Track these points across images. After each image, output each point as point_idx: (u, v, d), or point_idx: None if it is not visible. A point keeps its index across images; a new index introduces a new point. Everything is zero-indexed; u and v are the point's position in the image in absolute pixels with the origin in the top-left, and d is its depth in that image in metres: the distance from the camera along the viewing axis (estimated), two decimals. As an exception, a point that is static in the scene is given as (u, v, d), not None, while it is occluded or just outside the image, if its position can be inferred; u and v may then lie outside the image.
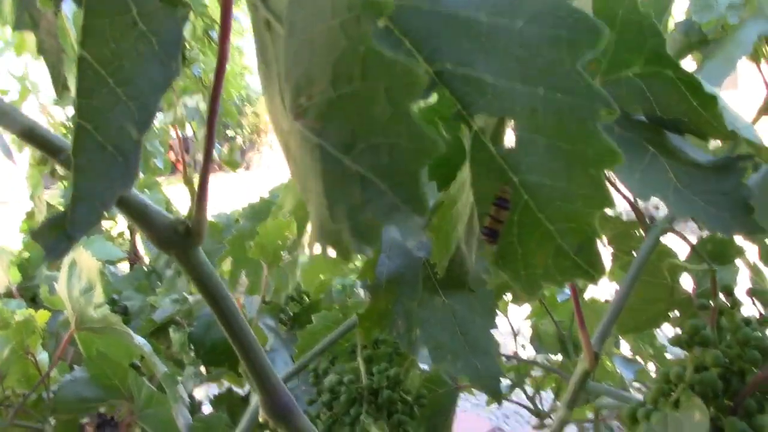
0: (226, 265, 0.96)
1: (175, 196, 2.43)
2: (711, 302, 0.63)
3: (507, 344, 1.37)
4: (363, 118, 0.25)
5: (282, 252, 0.78)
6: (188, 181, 1.48)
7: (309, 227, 0.26)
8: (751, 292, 0.63)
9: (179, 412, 1.00)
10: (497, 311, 1.35)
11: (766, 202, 0.49)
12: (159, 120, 2.01)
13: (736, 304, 0.64)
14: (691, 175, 0.47)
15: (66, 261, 1.00)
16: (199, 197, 0.40)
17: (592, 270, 0.34)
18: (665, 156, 0.47)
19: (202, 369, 1.40)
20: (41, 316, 1.15)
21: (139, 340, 0.92)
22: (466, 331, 0.72)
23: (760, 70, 0.63)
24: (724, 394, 0.61)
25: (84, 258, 0.99)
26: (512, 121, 0.31)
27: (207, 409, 1.46)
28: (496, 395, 0.70)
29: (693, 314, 0.69)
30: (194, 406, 1.35)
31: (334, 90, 0.25)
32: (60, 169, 1.93)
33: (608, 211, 0.96)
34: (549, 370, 1.29)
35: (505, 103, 0.30)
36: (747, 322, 0.63)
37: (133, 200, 0.40)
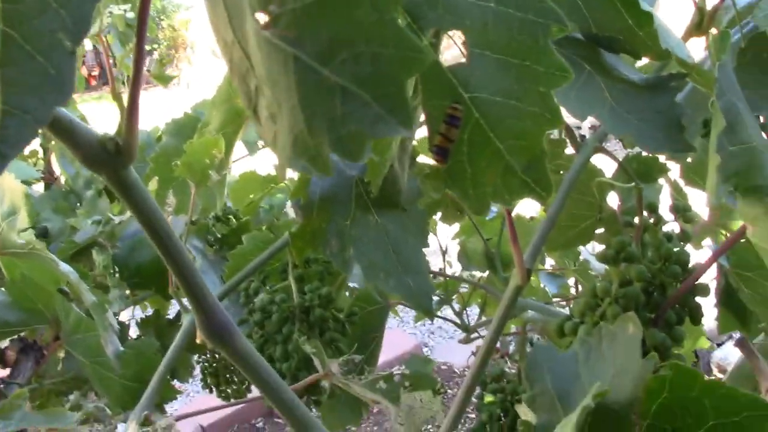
0: (153, 184, 0.93)
1: (91, 114, 2.34)
2: (636, 219, 0.65)
3: (435, 262, 1.39)
4: (344, 25, 0.23)
5: (210, 171, 0.76)
6: (116, 96, 1.42)
7: (279, 142, 0.25)
8: (674, 209, 0.65)
9: (108, 339, 0.99)
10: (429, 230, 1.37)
11: (691, 122, 0.50)
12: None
13: (659, 221, 0.66)
14: (626, 94, 0.47)
15: (-16, 184, 0.95)
16: (130, 113, 0.39)
17: (541, 188, 0.34)
18: (601, 74, 0.48)
19: (128, 292, 1.38)
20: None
21: (64, 267, 0.89)
22: (398, 250, 0.72)
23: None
24: (646, 306, 0.64)
25: (7, 181, 0.95)
26: (463, 36, 0.30)
27: (134, 332, 1.45)
28: (428, 312, 0.71)
29: (618, 231, 0.72)
30: (123, 330, 1.33)
31: None
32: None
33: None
34: (476, 285, 1.32)
35: (457, 17, 0.29)
36: (669, 238, 0.66)
37: (59, 117, 0.38)
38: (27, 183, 1.53)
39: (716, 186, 0.41)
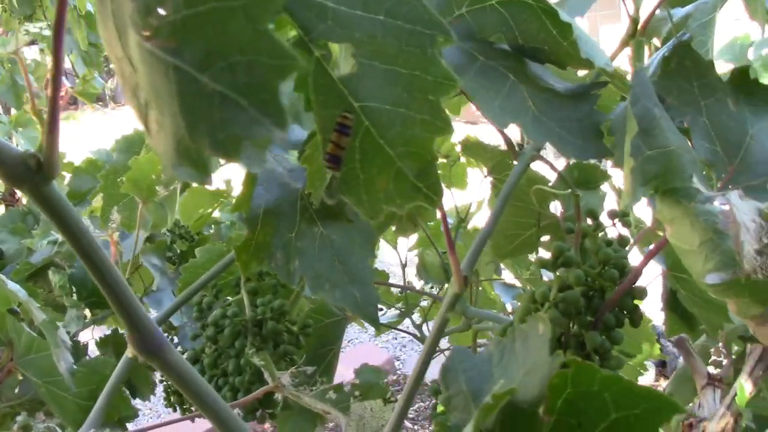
0: (97, 201, 0.93)
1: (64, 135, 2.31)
2: (576, 225, 0.66)
3: (396, 275, 1.40)
4: (220, 35, 0.24)
5: (157, 187, 0.76)
6: (37, 114, 1.41)
7: (163, 150, 0.26)
8: (611, 215, 0.66)
9: (61, 356, 0.98)
10: (389, 243, 1.38)
11: (621, 136, 0.51)
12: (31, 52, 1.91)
13: (599, 226, 0.67)
14: (549, 102, 0.48)
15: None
16: (50, 128, 0.39)
17: (432, 193, 0.35)
18: (525, 84, 0.49)
19: (87, 312, 1.37)
20: None
21: (12, 286, 0.89)
22: (344, 261, 0.72)
23: (624, 2, 0.65)
24: (587, 311, 0.65)
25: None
26: (353, 48, 0.31)
27: (94, 351, 1.43)
28: (374, 322, 0.71)
29: (562, 238, 0.73)
30: (79, 350, 1.32)
31: (189, 7, 0.24)
32: None
33: (486, 141, 0.98)
34: (434, 298, 1.33)
35: (346, 29, 0.30)
36: (608, 243, 0.67)
37: (-23, 132, 0.38)
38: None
39: (632, 189, 0.42)
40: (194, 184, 1.10)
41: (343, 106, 0.33)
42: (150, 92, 0.27)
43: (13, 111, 2.06)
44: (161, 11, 0.25)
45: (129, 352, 0.46)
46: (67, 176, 1.42)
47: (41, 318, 0.87)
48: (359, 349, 3.32)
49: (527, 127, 0.46)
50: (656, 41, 0.80)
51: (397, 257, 1.39)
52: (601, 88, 0.52)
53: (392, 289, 1.44)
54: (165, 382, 1.38)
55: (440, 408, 0.86)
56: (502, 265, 1.19)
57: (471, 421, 0.29)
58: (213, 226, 1.66)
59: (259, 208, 0.72)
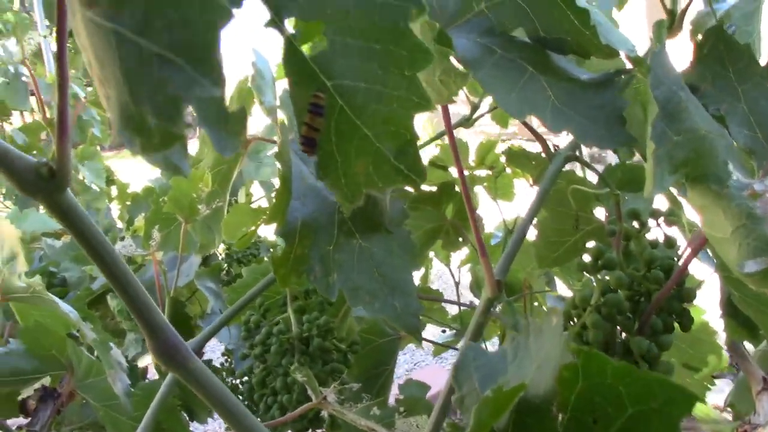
0: (140, 221, 0.94)
1: (124, 168, 2.39)
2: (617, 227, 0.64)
3: (450, 293, 1.38)
4: None
5: (198, 205, 0.76)
6: (49, 123, 1.46)
7: (112, 119, 0.26)
8: (654, 214, 0.63)
9: (116, 377, 0.99)
10: (441, 261, 1.36)
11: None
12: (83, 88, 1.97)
13: (644, 228, 0.65)
14: (570, 92, 0.47)
15: (-13, 232, 0.97)
16: (59, 136, 0.39)
17: (413, 174, 0.34)
18: (545, 75, 0.47)
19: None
20: (-28, 288, 1.12)
21: (65, 307, 0.91)
22: (384, 272, 0.71)
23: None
24: (634, 315, 0.62)
25: (4, 228, 0.96)
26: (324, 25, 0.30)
27: (154, 376, 1.45)
28: (416, 333, 0.70)
29: (607, 242, 0.70)
30: (138, 374, 1.34)
31: None
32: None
33: (530, 149, 0.96)
34: (494, 316, 1.30)
35: (317, 6, 0.29)
36: (653, 245, 0.64)
37: (-7, 144, 0.39)
38: (49, 235, 1.56)
39: (656, 176, 0.40)
40: (236, 202, 1.11)
41: (315, 85, 0.32)
42: (96, 63, 0.26)
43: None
44: None
45: (153, 362, 0.45)
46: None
47: (91, 337, 0.88)
48: (425, 371, 3.29)
49: (546, 116, 0.44)
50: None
51: (449, 274, 1.37)
52: (626, 75, 0.49)
53: (447, 308, 1.42)
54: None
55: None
56: (556, 278, 1.15)
57: (471, 416, 0.27)
58: (271, 249, 1.68)
59: (296, 222, 0.72)
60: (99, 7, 0.24)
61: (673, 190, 0.78)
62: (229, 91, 0.83)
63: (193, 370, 0.45)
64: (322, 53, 0.32)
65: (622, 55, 0.49)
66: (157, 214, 0.86)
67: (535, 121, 0.80)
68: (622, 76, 0.49)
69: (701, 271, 0.78)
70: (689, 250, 0.58)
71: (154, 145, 0.25)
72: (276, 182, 1.72)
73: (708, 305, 0.87)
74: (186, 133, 0.25)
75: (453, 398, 0.36)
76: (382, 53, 0.31)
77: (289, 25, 0.31)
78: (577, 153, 0.64)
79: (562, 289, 1.20)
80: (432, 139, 0.98)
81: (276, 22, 0.30)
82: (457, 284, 1.33)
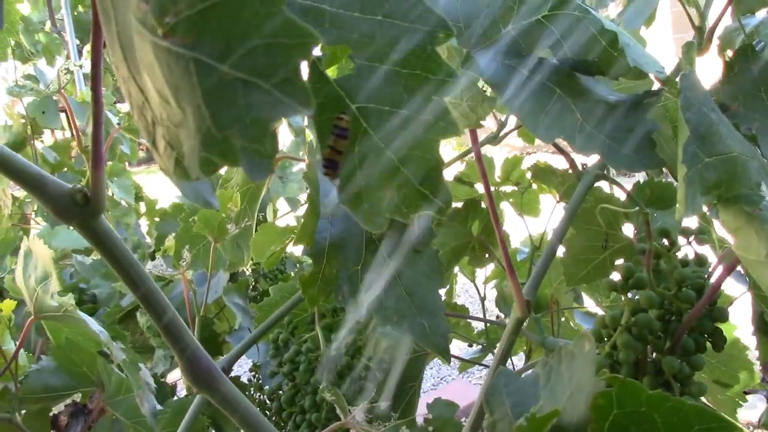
0: (170, 241, 0.95)
1: (151, 184, 2.41)
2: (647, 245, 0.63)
3: (474, 309, 1.37)
4: (237, 23, 0.25)
5: (227, 225, 0.77)
6: (83, 151, 1.48)
7: (185, 149, 0.26)
8: (684, 232, 0.63)
9: (144, 398, 1.00)
10: (467, 277, 1.35)
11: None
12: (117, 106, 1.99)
13: (674, 246, 0.64)
14: (598, 114, 0.46)
15: (21, 251, 0.99)
16: (94, 163, 0.40)
17: (439, 200, 0.34)
18: (573, 97, 0.47)
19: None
20: (6, 306, 1.14)
21: (94, 326, 0.92)
22: (411, 292, 0.71)
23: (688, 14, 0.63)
24: (665, 335, 0.61)
25: (38, 248, 0.98)
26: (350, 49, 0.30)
27: (183, 392, 1.46)
28: (444, 353, 0.70)
29: (636, 261, 0.70)
30: (167, 390, 1.35)
31: (203, 1, 0.25)
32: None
33: (555, 162, 0.96)
34: (521, 333, 1.29)
35: (344, 30, 0.30)
36: (684, 263, 0.64)
37: (28, 170, 0.40)
38: (79, 252, 1.58)
39: (687, 198, 0.40)
40: (263, 218, 1.12)
41: (340, 108, 0.32)
42: (170, 93, 0.27)
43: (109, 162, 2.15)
44: (176, 9, 0.25)
45: (183, 383, 0.46)
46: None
47: (121, 358, 0.89)
48: (452, 386, 3.27)
49: (575, 140, 0.44)
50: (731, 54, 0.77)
51: (474, 290, 1.37)
52: (655, 97, 0.49)
53: (473, 324, 1.41)
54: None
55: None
56: (583, 294, 1.15)
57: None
58: (297, 265, 1.68)
59: (324, 242, 0.72)
60: (176, 37, 0.25)
61: (704, 208, 0.78)
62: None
63: (225, 393, 0.46)
64: (348, 77, 0.32)
65: (651, 76, 0.49)
66: (187, 233, 0.87)
67: (562, 139, 0.80)
68: (652, 98, 0.49)
69: (732, 288, 0.77)
70: (720, 268, 0.57)
71: (236, 160, 0.26)
72: (302, 198, 1.73)
73: (739, 321, 0.86)
74: (275, 152, 0.26)
75: (485, 423, 0.36)
76: (408, 77, 0.31)
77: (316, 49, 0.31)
78: (605, 170, 0.64)
79: (590, 305, 1.19)
80: (459, 156, 0.98)
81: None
82: (482, 300, 1.33)
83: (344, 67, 0.35)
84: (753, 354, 0.94)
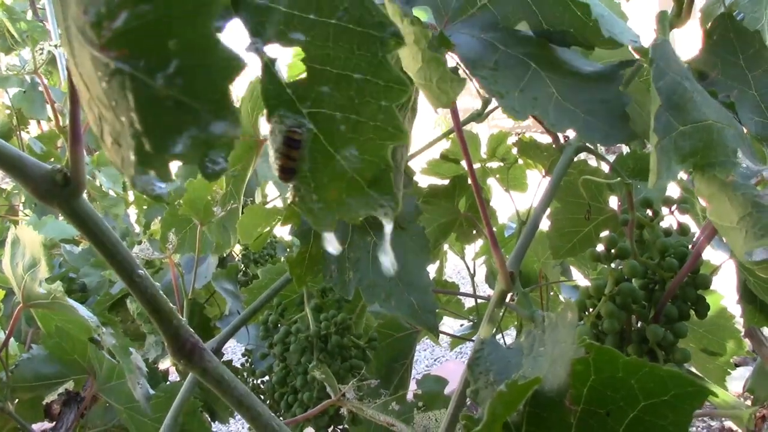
0: (156, 225, 0.95)
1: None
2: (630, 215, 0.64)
3: (467, 287, 1.38)
4: (168, 42, 0.25)
5: (213, 208, 0.77)
6: (62, 131, 1.48)
7: (125, 161, 0.26)
8: (666, 202, 0.63)
9: (136, 382, 1.00)
10: (456, 254, 1.36)
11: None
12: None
13: (657, 216, 0.64)
14: (574, 87, 0.47)
15: (8, 240, 0.99)
16: (72, 143, 0.40)
17: (388, 203, 0.34)
18: (548, 70, 0.47)
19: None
20: (-4, 295, 1.14)
21: (83, 312, 0.92)
22: (398, 269, 0.72)
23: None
24: (649, 303, 0.62)
25: (26, 235, 0.98)
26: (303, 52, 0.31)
27: (176, 378, 1.47)
28: (433, 329, 0.70)
29: (621, 231, 0.70)
30: (159, 377, 1.35)
31: (137, 18, 0.25)
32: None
33: (540, 139, 0.96)
34: (509, 308, 1.30)
35: (297, 33, 0.30)
36: (667, 233, 0.64)
37: (7, 152, 0.39)
38: (66, 241, 1.58)
39: (661, 167, 0.40)
40: (252, 203, 1.11)
41: (292, 112, 0.33)
42: (107, 105, 0.27)
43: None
44: (112, 23, 0.25)
45: (170, 360, 0.46)
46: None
47: (111, 342, 0.89)
48: (444, 367, 3.29)
49: (549, 115, 0.44)
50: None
51: (464, 267, 1.37)
52: (629, 67, 0.49)
53: (463, 301, 1.42)
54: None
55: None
56: (572, 268, 1.15)
57: (486, 409, 0.27)
58: (287, 249, 1.68)
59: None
60: (111, 50, 0.25)
61: (682, 175, 0.78)
62: (241, 91, 0.84)
63: (212, 369, 0.46)
64: (300, 80, 0.32)
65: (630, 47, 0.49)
66: (173, 217, 0.87)
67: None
68: (627, 68, 0.49)
69: (718, 257, 0.78)
70: (702, 237, 0.58)
71: (167, 179, 0.26)
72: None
73: (725, 290, 0.87)
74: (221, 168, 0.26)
75: (468, 391, 0.37)
76: (359, 82, 0.31)
77: (270, 50, 0.31)
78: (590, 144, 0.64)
79: (579, 278, 1.20)
80: (444, 134, 0.98)
81: (255, 46, 0.30)
82: (472, 276, 1.34)
83: (295, 71, 0.36)
84: (740, 323, 0.94)
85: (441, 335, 1.38)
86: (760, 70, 0.51)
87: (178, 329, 0.44)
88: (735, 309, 0.85)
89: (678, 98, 0.41)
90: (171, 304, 0.45)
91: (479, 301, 1.30)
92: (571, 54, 0.50)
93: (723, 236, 0.42)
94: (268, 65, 0.32)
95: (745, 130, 0.49)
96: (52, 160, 2.00)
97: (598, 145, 0.63)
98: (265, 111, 0.32)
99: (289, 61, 0.32)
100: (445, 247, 1.34)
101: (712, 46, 0.52)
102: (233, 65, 0.25)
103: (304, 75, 0.32)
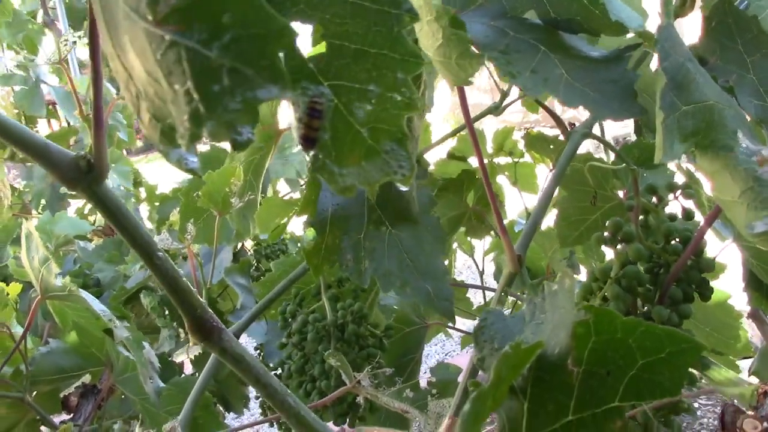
0: (175, 216, 0.97)
1: (150, 172, 2.43)
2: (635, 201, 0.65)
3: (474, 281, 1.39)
4: (222, 14, 0.27)
5: (231, 199, 0.79)
6: (86, 119, 1.51)
7: (176, 123, 0.28)
8: (670, 188, 0.65)
9: (147, 375, 1.02)
10: (465, 253, 1.37)
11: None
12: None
13: (662, 202, 0.66)
14: (582, 69, 0.48)
15: (23, 234, 1.01)
16: (96, 130, 0.41)
17: (403, 170, 0.36)
18: (557, 53, 0.49)
19: (182, 333, 1.42)
20: (13, 289, 1.16)
21: (97, 305, 0.94)
22: (414, 258, 0.73)
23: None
24: (654, 286, 0.63)
25: (35, 229, 1.00)
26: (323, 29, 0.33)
27: (190, 369, 1.49)
28: (449, 316, 0.72)
29: (627, 217, 0.71)
30: (174, 369, 1.37)
31: None
32: (20, 153, 1.93)
33: (548, 132, 0.98)
34: (518, 299, 1.32)
35: (317, 11, 0.32)
36: (672, 218, 0.66)
37: (35, 140, 0.41)
38: (81, 237, 1.60)
39: (666, 144, 0.41)
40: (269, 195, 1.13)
41: (314, 84, 0.35)
42: (152, 77, 0.29)
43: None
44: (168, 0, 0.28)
45: (190, 340, 0.48)
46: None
47: (124, 335, 0.91)
48: (455, 360, 3.30)
49: (560, 93, 0.46)
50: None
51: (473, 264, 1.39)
52: (635, 50, 0.51)
53: (472, 300, 1.43)
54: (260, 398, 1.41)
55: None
56: (581, 266, 1.16)
57: (491, 371, 0.29)
58: (299, 244, 1.70)
59: (326, 212, 0.74)
60: (168, 25, 0.27)
61: (691, 168, 0.79)
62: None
63: (230, 348, 0.48)
64: (321, 55, 0.35)
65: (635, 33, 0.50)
66: (191, 207, 0.89)
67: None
68: (634, 51, 0.51)
69: (729, 258, 0.79)
70: (705, 220, 0.59)
71: (225, 137, 0.28)
72: (302, 180, 1.74)
73: (732, 290, 0.87)
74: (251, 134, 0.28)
75: (474, 358, 0.38)
76: (376, 56, 0.34)
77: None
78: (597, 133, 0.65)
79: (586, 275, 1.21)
80: (452, 133, 1.00)
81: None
82: (481, 273, 1.35)
83: (316, 47, 0.38)
84: (746, 322, 0.93)
85: (452, 331, 1.40)
86: (759, 55, 0.53)
87: (198, 309, 0.46)
88: (743, 308, 0.86)
89: (682, 78, 0.43)
90: (190, 285, 0.47)
91: (488, 299, 1.32)
92: (578, 40, 0.52)
93: (725, 211, 0.44)
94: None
95: (744, 114, 0.50)
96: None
97: (611, 138, 0.65)
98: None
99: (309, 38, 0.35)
100: (454, 245, 1.36)
101: (711, 32, 0.53)
102: (283, 33, 0.27)
103: (324, 50, 0.34)
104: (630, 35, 0.54)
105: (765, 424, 0.48)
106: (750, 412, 0.50)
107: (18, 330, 1.17)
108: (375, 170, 0.37)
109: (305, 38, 0.35)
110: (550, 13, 0.51)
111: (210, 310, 0.47)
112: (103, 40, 0.33)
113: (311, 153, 0.38)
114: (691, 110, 0.43)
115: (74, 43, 1.65)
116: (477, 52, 0.46)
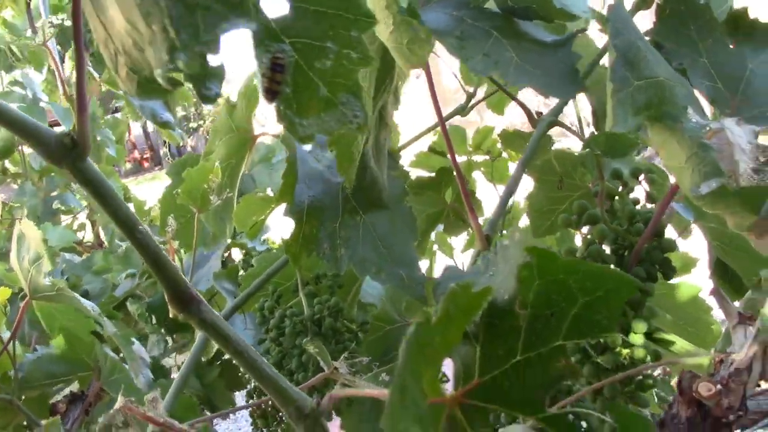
0: (156, 211, 0.99)
1: (139, 193, 2.45)
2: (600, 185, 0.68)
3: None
4: None
5: (210, 196, 0.81)
6: (69, 99, 1.55)
7: (154, 63, 0.32)
8: (634, 173, 0.67)
9: (138, 370, 1.03)
10: (445, 254, 1.39)
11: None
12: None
13: (626, 187, 0.69)
14: (531, 52, 0.52)
15: (14, 235, 1.03)
16: (79, 110, 0.44)
17: (357, 120, 0.40)
18: (509, 39, 0.52)
19: (170, 339, 1.44)
20: (2, 294, 1.18)
21: (86, 302, 0.96)
22: (387, 245, 0.76)
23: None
24: (620, 267, 0.66)
25: (29, 230, 1.02)
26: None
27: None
28: (422, 300, 0.74)
29: (593, 201, 0.74)
30: (164, 373, 1.39)
31: None
32: (11, 167, 1.95)
33: (521, 128, 1.01)
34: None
35: None
36: (635, 201, 0.68)
37: (24, 120, 0.44)
38: (66, 250, 1.62)
39: (617, 116, 0.44)
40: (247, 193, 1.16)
41: (278, 43, 0.39)
42: (130, 24, 0.32)
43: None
44: None
45: (170, 312, 0.50)
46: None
47: (112, 331, 0.93)
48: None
49: (509, 73, 0.50)
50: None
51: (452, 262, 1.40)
52: (581, 32, 0.54)
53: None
54: (251, 408, 1.42)
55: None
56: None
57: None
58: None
59: (303, 203, 0.77)
60: None
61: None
62: (237, 86, 0.89)
63: (209, 319, 0.50)
64: (284, 16, 0.39)
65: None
66: (171, 203, 0.91)
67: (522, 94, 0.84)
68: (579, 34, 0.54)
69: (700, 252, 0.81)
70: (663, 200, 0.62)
71: (197, 67, 0.31)
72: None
73: (702, 283, 0.90)
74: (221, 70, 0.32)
75: (433, 311, 0.41)
76: (333, 17, 0.39)
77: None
78: (571, 125, 0.68)
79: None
80: (429, 129, 1.03)
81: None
82: (463, 272, 1.37)
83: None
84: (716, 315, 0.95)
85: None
86: (711, 40, 0.56)
87: (177, 280, 0.49)
88: (712, 301, 0.88)
89: (633, 56, 0.46)
90: (170, 260, 0.49)
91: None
92: (533, 27, 0.55)
93: (675, 177, 0.47)
94: (256, 5, 0.37)
95: (696, 92, 0.53)
96: (53, 174, 2.05)
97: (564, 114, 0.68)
98: (253, 42, 0.38)
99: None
100: (434, 247, 1.38)
101: (665, 19, 0.56)
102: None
103: (286, 13, 0.38)
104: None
105: (718, 386, 0.51)
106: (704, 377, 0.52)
107: (6, 334, 1.18)
108: (333, 120, 0.40)
109: (270, 3, 0.38)
110: (507, 2, 0.54)
111: (190, 284, 0.49)
112: (84, 2, 0.35)
113: (274, 105, 0.42)
114: (644, 85, 0.46)
115: (58, 25, 1.68)
116: (425, 37, 0.50)
